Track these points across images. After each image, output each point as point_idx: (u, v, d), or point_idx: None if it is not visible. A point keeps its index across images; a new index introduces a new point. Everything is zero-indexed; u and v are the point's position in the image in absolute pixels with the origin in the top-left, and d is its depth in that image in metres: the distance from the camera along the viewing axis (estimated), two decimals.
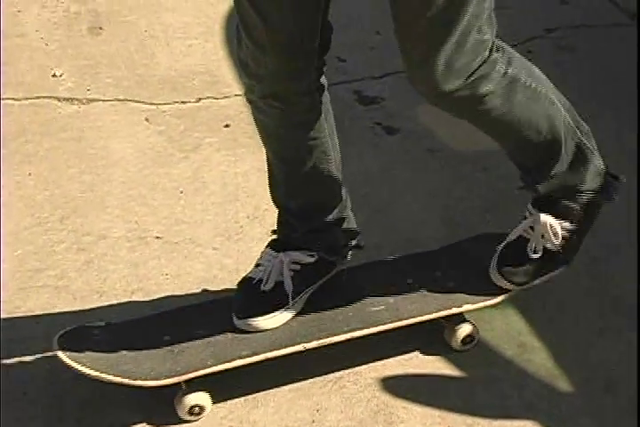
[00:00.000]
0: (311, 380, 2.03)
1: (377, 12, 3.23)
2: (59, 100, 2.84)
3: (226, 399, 1.97)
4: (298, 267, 2.03)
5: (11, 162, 2.50)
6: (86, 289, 2.17)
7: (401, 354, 2.11)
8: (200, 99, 2.87)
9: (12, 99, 2.81)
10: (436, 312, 2.04)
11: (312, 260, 2.04)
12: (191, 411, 1.89)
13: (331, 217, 2.06)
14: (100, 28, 3.13)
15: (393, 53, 2.93)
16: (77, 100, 2.84)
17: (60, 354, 1.89)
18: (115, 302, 2.21)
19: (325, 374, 2.03)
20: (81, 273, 2.17)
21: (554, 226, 2.10)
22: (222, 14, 3.24)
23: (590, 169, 2.11)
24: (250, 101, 1.91)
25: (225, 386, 1.99)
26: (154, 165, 2.52)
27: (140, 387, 1.87)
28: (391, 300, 2.08)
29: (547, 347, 2.12)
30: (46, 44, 3.06)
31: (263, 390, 1.99)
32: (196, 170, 2.53)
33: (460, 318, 2.11)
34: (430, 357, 2.10)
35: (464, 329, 2.07)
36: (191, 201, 2.40)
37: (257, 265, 2.05)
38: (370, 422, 1.96)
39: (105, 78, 2.92)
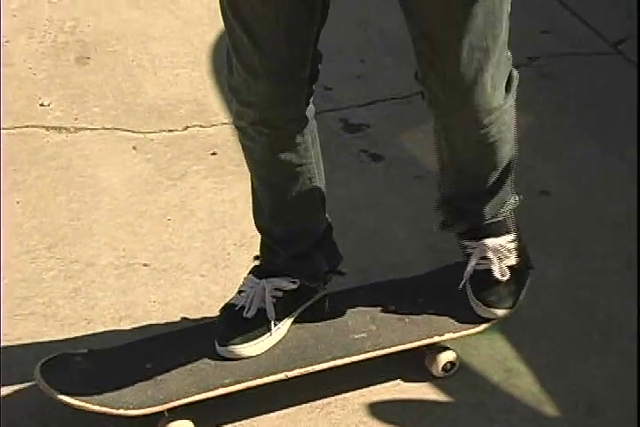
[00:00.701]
0: (298, 406, 2.02)
1: (361, 41, 3.34)
2: (47, 129, 2.86)
3: (212, 426, 1.96)
4: (280, 293, 2.03)
5: None
6: (74, 317, 2.18)
7: (387, 380, 2.10)
8: (187, 127, 2.89)
9: (0, 128, 2.82)
10: (417, 341, 2.04)
11: (294, 286, 2.04)
12: None
13: (314, 243, 2.06)
14: (88, 58, 3.15)
15: (378, 82, 3.13)
16: (65, 128, 2.86)
17: (42, 383, 1.88)
18: (103, 329, 2.20)
19: (313, 400, 2.03)
20: (69, 301, 2.19)
21: (503, 244, 2.12)
22: (209, 44, 3.28)
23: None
24: (238, 128, 1.92)
25: (211, 412, 1.98)
26: (141, 193, 2.54)
27: (124, 416, 1.87)
28: (373, 327, 2.08)
29: (532, 372, 2.12)
30: (34, 74, 3.09)
31: (250, 416, 1.98)
32: (183, 197, 2.55)
33: (441, 346, 2.10)
34: (416, 382, 2.09)
35: (445, 356, 2.07)
36: (178, 228, 2.42)
37: (239, 292, 2.05)
38: None
39: (92, 107, 2.94)
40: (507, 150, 2.05)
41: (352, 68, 3.19)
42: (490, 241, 2.10)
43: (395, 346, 2.02)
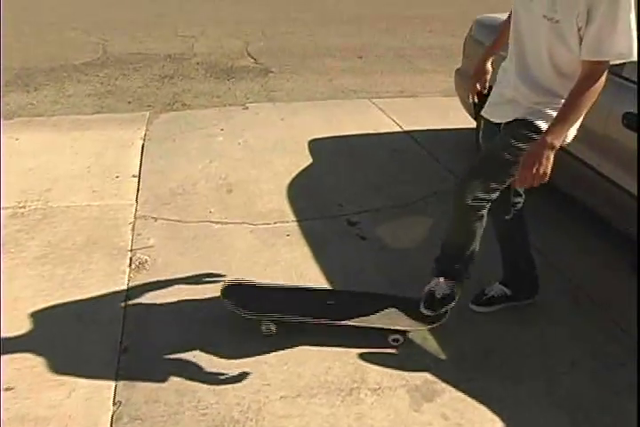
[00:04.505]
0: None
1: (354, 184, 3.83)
2: (211, 223, 3.45)
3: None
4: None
5: None
6: None
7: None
8: (276, 222, 3.36)
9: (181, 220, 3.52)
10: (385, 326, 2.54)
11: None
12: None
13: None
14: (231, 191, 3.76)
15: (367, 201, 3.66)
16: (220, 222, 3.41)
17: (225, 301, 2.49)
18: None
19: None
20: None
21: (442, 282, 2.60)
22: (286, 183, 3.87)
23: None
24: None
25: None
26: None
27: None
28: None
29: (436, 340, 2.59)
30: (206, 197, 3.68)
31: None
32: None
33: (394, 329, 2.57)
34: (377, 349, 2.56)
35: (393, 336, 2.61)
36: None
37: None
38: (347, 381, 2.40)
39: (233, 210, 3.48)
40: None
41: (356, 196, 3.63)
42: (440, 280, 2.61)
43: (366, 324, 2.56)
